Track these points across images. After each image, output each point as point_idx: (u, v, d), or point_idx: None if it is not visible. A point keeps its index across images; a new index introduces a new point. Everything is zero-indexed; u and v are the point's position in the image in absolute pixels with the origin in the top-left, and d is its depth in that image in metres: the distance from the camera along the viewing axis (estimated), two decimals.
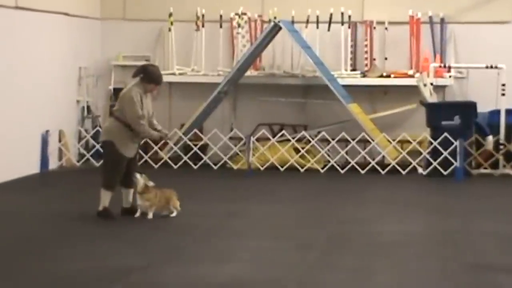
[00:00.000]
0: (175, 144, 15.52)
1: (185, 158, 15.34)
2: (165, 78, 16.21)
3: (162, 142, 10.01)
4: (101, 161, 10.45)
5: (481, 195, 12.87)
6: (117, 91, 16.65)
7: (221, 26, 16.26)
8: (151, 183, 10.19)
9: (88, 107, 16.25)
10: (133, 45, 16.66)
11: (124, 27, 16.71)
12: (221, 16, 16.22)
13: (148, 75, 10.16)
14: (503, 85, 14.87)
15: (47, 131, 14.67)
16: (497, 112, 14.95)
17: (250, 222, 10.22)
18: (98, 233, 9.50)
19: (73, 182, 13.85)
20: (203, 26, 16.26)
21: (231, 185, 13.46)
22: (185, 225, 9.95)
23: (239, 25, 16.26)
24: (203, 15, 16.23)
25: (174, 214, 10.21)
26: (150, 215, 10.15)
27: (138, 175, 10.23)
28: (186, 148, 15.56)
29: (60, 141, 15.19)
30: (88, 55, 16.19)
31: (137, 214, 10.17)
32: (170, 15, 16.20)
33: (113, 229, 9.70)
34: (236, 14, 16.27)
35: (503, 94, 14.89)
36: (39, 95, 14.45)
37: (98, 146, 15.42)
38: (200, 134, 15.64)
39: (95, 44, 16.58)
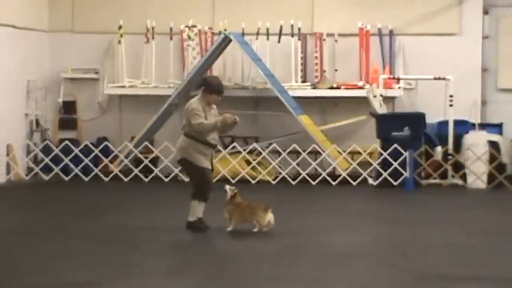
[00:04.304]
0: (126, 157, 15.42)
1: (136, 171, 15.25)
2: (115, 91, 16.34)
3: (235, 122, 10.08)
4: (189, 179, 10.70)
5: (430, 205, 13.00)
6: (66, 104, 16.62)
7: (171, 38, 16.22)
8: (235, 191, 10.15)
9: (37, 120, 16.07)
10: (83, 58, 16.54)
11: (73, 40, 16.59)
12: (171, 28, 16.18)
13: (209, 86, 10.26)
14: (451, 96, 15.08)
15: None
16: (445, 122, 15.15)
17: (202, 234, 10.17)
18: (48, 249, 9.36)
19: (21, 196, 13.66)
20: (153, 38, 16.20)
21: (183, 198, 13.37)
22: (137, 239, 9.86)
23: (189, 37, 16.24)
24: (153, 28, 16.18)
25: (255, 230, 10.02)
26: (230, 227, 10.10)
27: (227, 187, 10.26)
28: (137, 161, 15.48)
29: (8, 155, 14.99)
30: (36, 68, 16.03)
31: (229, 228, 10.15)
32: (120, 27, 16.12)
33: (63, 244, 9.57)
34: (187, 26, 16.25)
35: (451, 105, 15.09)
36: None
37: (47, 160, 15.26)
38: (151, 147, 15.56)
39: (43, 57, 16.42)
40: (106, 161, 15.34)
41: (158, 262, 8.69)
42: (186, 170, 10.43)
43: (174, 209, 12.04)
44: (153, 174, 15.20)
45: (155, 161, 15.55)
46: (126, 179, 15.08)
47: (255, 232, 10.07)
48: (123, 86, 16.20)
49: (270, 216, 10.02)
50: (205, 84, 10.31)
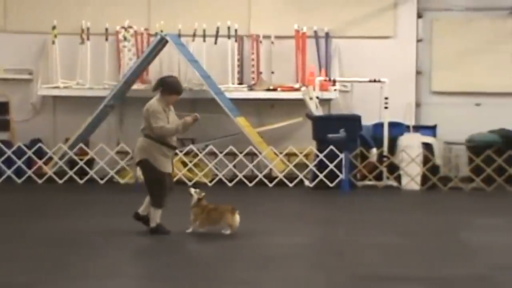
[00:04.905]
0: (60, 159, 15.22)
1: (71, 173, 15.06)
2: (49, 92, 16.10)
3: (196, 119, 9.97)
4: (144, 181, 10.22)
5: (366, 206, 13.12)
6: None
7: (106, 39, 16.06)
8: (202, 193, 10.07)
9: None
10: (15, 58, 16.28)
11: (6, 39, 16.31)
12: (106, 29, 16.03)
13: (168, 87, 10.08)
14: (386, 98, 15.24)
15: None
16: (381, 125, 15.30)
17: (136, 237, 10.09)
18: None
19: None
20: (88, 39, 16.02)
21: (118, 200, 13.27)
22: (72, 241, 9.73)
23: (125, 38, 16.11)
24: (88, 28, 16.00)
25: (227, 232, 9.93)
26: (190, 229, 10.02)
27: (192, 190, 10.13)
28: (71, 163, 15.28)
29: None
30: None
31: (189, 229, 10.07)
32: (54, 27, 15.90)
33: None
34: (122, 27, 16.12)
35: (386, 107, 15.25)
36: None
37: None
38: (86, 149, 15.38)
39: None
40: (40, 163, 15.11)
41: (92, 264, 8.59)
42: (145, 173, 10.09)
43: (110, 211, 11.94)
44: (88, 176, 15.03)
45: (90, 162, 15.38)
46: (60, 181, 14.89)
47: (191, 234, 10.03)
48: (58, 87, 15.98)
49: (237, 218, 10.01)
50: (164, 84, 10.13)
